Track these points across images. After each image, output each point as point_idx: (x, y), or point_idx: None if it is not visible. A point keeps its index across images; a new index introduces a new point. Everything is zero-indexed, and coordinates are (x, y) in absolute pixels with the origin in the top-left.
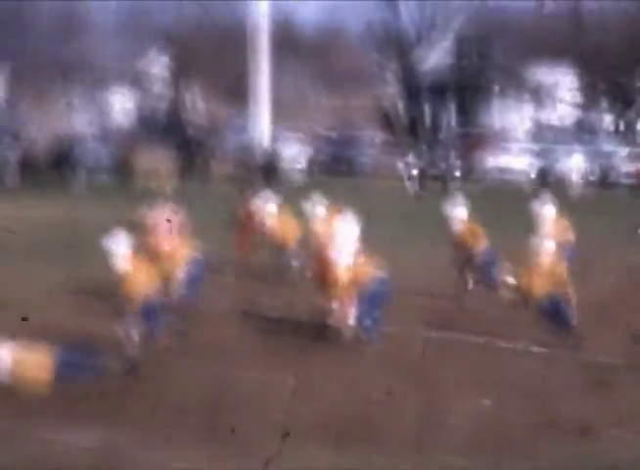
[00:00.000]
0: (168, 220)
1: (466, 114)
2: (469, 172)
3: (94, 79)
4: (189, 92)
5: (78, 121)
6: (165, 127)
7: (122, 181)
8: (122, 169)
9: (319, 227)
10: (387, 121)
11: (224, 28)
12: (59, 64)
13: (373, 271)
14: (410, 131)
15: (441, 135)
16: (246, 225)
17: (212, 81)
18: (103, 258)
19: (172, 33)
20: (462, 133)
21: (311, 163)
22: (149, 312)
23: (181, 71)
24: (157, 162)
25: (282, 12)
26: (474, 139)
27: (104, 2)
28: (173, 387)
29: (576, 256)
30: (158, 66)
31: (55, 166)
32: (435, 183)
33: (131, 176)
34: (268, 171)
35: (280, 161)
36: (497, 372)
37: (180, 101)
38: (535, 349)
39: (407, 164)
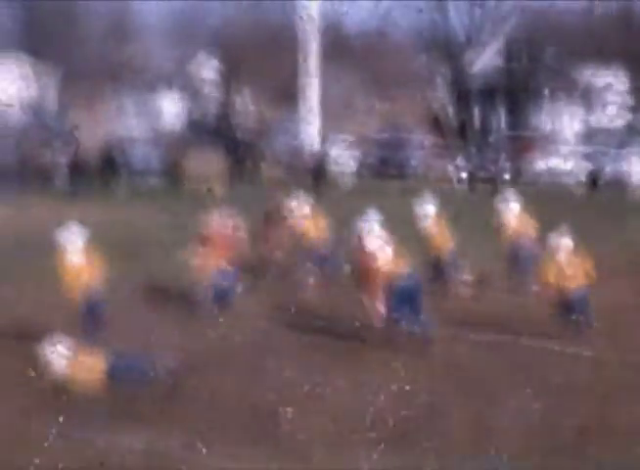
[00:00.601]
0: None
1: (516, 116)
2: (518, 175)
3: (144, 83)
4: (239, 95)
5: (128, 125)
6: (215, 130)
7: (172, 184)
8: (172, 173)
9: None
10: (436, 124)
11: (274, 31)
12: (109, 67)
13: (401, 267)
14: (460, 134)
15: (491, 138)
16: (270, 226)
17: (262, 84)
18: (152, 258)
19: (222, 36)
20: (512, 136)
21: (361, 166)
22: (89, 306)
23: (231, 74)
24: (206, 165)
25: (332, 14)
26: (523, 142)
27: (154, 5)
28: (223, 389)
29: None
30: (207, 69)
31: (105, 169)
32: (485, 186)
33: (181, 179)
34: (318, 174)
35: (329, 164)
36: (545, 374)
37: (230, 104)
38: (585, 352)
39: (457, 167)
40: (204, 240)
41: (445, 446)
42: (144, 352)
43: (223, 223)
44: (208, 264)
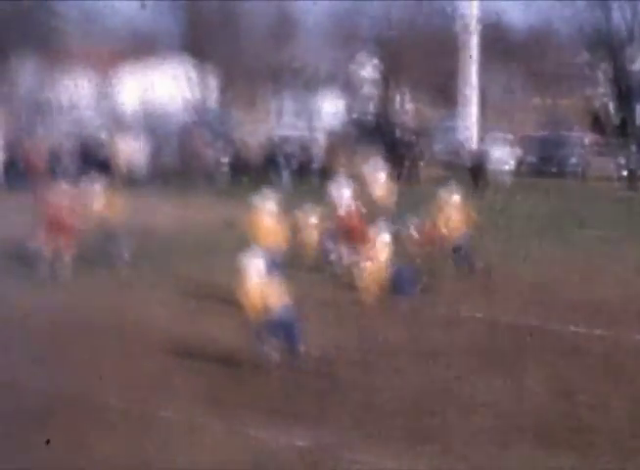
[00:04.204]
0: None
1: None
2: None
3: (305, 82)
4: (398, 94)
5: (289, 124)
6: (374, 129)
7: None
8: (331, 171)
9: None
10: (597, 122)
11: (433, 30)
12: (270, 67)
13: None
14: (620, 132)
15: None
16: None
17: (421, 83)
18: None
19: (382, 35)
20: None
21: (520, 164)
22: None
23: (390, 73)
24: (365, 163)
25: (491, 13)
26: None
27: (315, 5)
28: (380, 386)
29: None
30: (368, 68)
31: (265, 168)
32: None
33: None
34: (477, 173)
35: (488, 162)
36: None
37: (389, 103)
38: None
39: (617, 165)
40: None
41: (610, 448)
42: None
43: None
44: None
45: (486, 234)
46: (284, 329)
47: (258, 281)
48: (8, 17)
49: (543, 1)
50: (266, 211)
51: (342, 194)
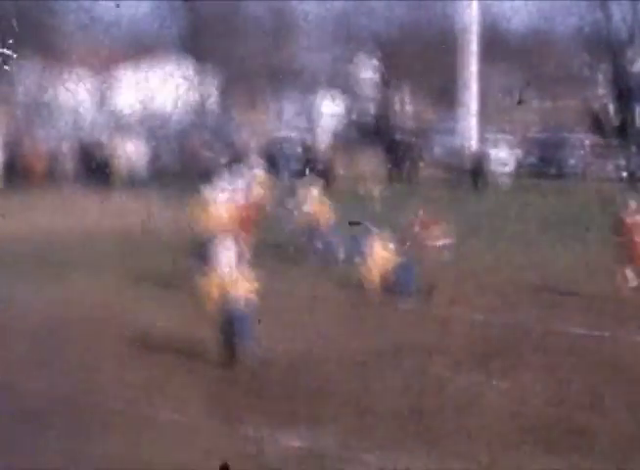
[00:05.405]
0: None
1: None
2: None
3: (304, 83)
4: (397, 95)
5: (288, 126)
6: (374, 130)
7: (330, 185)
8: (330, 173)
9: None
10: (597, 123)
11: (433, 31)
12: (270, 68)
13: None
14: (620, 133)
15: None
16: None
17: (421, 84)
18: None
19: (382, 36)
20: None
21: (520, 165)
22: None
23: (390, 74)
24: (365, 165)
25: (491, 13)
26: None
27: (315, 6)
28: (378, 388)
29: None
30: (367, 69)
31: (265, 170)
32: None
33: (338, 180)
34: (476, 174)
35: (488, 163)
36: None
37: (389, 104)
38: None
39: (617, 167)
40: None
41: (609, 450)
42: None
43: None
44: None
45: (484, 236)
46: (235, 322)
47: (225, 270)
48: (8, 17)
49: (543, 2)
50: (216, 202)
51: (234, 183)
